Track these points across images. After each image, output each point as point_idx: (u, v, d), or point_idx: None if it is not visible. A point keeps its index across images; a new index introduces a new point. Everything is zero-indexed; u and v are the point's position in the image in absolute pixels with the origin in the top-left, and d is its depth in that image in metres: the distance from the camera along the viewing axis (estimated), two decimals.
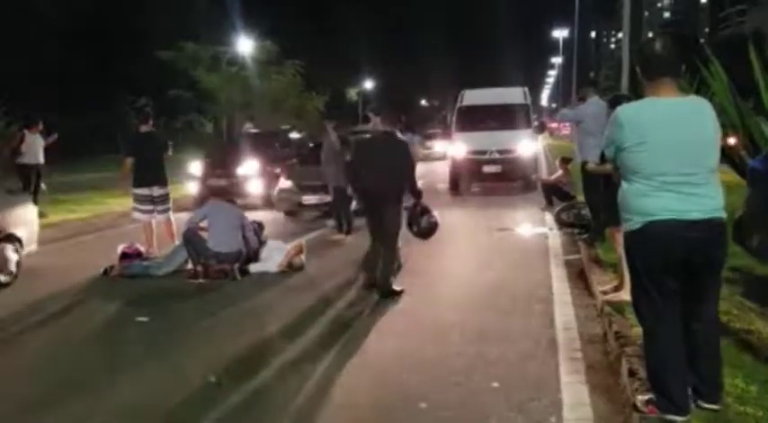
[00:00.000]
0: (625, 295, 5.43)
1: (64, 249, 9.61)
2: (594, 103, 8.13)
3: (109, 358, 4.99)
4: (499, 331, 5.28)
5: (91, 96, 29.15)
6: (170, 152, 8.62)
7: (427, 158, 28.07)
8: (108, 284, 7.32)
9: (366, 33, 51.32)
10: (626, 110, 3.43)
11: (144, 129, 8.42)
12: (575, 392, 4.06)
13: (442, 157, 27.86)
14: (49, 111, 13.12)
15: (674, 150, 3.27)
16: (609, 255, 7.15)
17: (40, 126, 12.06)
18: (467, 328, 5.41)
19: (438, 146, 30.31)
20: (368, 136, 6.88)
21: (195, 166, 14.41)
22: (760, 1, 61.65)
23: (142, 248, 8.06)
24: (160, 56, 28.38)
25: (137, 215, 8.30)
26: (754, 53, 7.20)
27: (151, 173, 8.24)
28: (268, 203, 12.72)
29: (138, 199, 8.25)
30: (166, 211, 8.42)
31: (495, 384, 4.21)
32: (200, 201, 10.40)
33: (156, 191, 8.27)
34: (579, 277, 6.95)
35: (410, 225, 6.88)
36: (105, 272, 7.63)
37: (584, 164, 7.99)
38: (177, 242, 7.91)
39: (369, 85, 53.33)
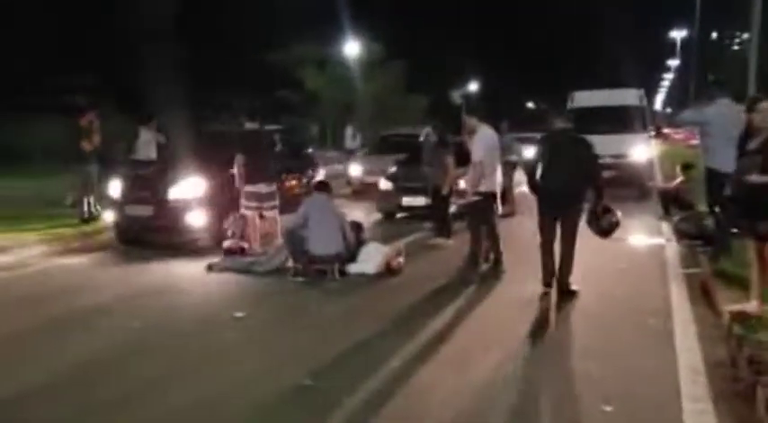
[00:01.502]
0: (750, 308, 4.89)
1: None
2: (723, 105, 7.46)
3: (203, 353, 4.99)
4: (611, 348, 4.88)
5: (199, 96, 30.22)
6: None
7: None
8: (210, 279, 7.44)
9: (473, 35, 50.72)
10: None
11: (250, 126, 8.53)
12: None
13: None
14: (160, 111, 13.58)
15: None
16: (738, 270, 6.52)
17: (155, 123, 12.54)
18: (576, 343, 5.06)
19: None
20: (553, 137, 6.72)
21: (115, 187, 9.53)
22: None
23: (246, 245, 8.16)
24: (269, 57, 29.17)
25: (244, 211, 8.41)
26: None
27: (258, 170, 8.32)
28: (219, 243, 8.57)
29: (247, 196, 8.35)
30: (273, 208, 8.48)
31: (608, 408, 3.84)
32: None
33: (264, 188, 8.34)
34: (701, 293, 6.36)
35: (590, 223, 6.64)
36: (209, 267, 7.77)
37: (709, 171, 7.34)
38: (279, 240, 7.95)
39: (473, 87, 52.75)
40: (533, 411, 3.86)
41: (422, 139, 14.70)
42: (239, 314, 5.87)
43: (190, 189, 8.79)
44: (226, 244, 8.17)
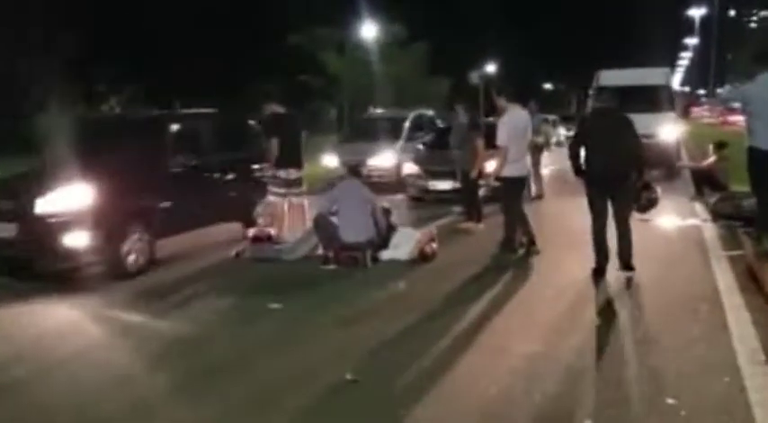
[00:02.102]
0: None
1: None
2: (763, 82, 7.15)
3: (241, 346, 4.84)
4: (664, 337, 4.68)
5: (221, 81, 30.14)
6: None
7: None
8: (240, 268, 7.30)
9: (491, 16, 49.98)
10: None
11: (280, 110, 8.32)
12: None
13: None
14: (179, 97, 13.45)
15: None
16: None
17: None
18: (626, 332, 4.86)
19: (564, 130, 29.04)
20: (595, 116, 6.70)
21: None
22: None
23: (273, 232, 8.00)
24: (290, 40, 28.82)
25: (271, 198, 8.23)
26: None
27: (290, 155, 8.08)
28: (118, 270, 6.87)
29: (275, 182, 8.16)
30: (301, 194, 8.31)
31: (671, 401, 3.65)
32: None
33: (293, 174, 8.14)
34: (748, 277, 6.13)
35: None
36: (237, 255, 7.65)
37: (751, 150, 7.06)
38: (308, 227, 7.79)
39: (491, 68, 52.15)
40: (593, 405, 3.67)
41: (407, 121, 15.30)
42: (275, 305, 5.73)
43: (67, 200, 6.54)
44: (252, 232, 8.02)
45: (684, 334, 4.71)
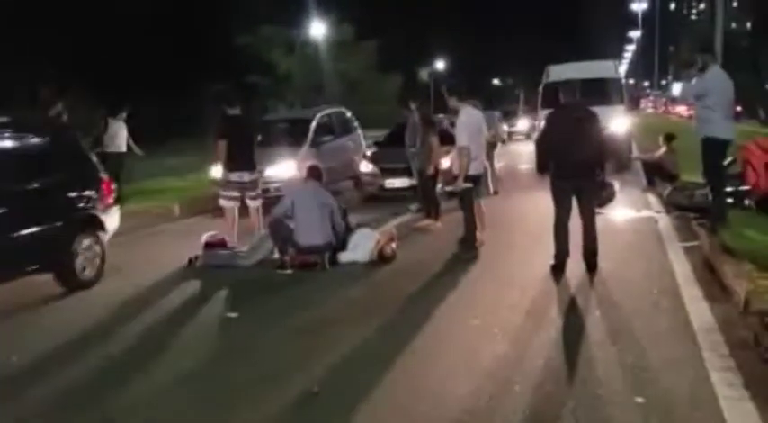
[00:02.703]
0: None
1: (145, 238, 9.48)
2: (717, 73, 7.29)
3: (197, 359, 4.63)
4: (627, 334, 4.64)
5: (167, 83, 29.48)
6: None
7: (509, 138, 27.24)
8: (194, 276, 7.05)
9: (438, 12, 50.24)
10: None
11: (232, 112, 8.08)
12: (740, 412, 3.41)
13: (526, 137, 26.86)
14: (126, 98, 13.00)
15: None
16: (740, 242, 6.37)
17: (124, 114, 12.01)
18: (590, 329, 4.80)
19: (521, 124, 29.28)
20: (562, 112, 6.63)
21: None
22: None
23: (227, 238, 7.76)
24: (237, 41, 28.38)
25: (223, 202, 7.97)
26: None
27: (242, 157, 7.86)
28: None
29: (228, 185, 7.92)
30: (257, 197, 8.08)
31: (640, 399, 3.60)
32: None
33: (247, 176, 7.91)
34: (705, 268, 6.18)
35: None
36: (190, 261, 7.39)
37: (707, 140, 7.18)
38: (263, 231, 7.57)
39: (440, 65, 52.44)
40: (563, 405, 3.60)
41: (313, 123, 12.55)
42: (233, 314, 5.52)
43: None
44: (205, 237, 7.77)
45: (647, 329, 4.68)
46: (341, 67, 29.54)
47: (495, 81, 74.80)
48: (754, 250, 5.95)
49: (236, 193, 7.86)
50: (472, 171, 7.22)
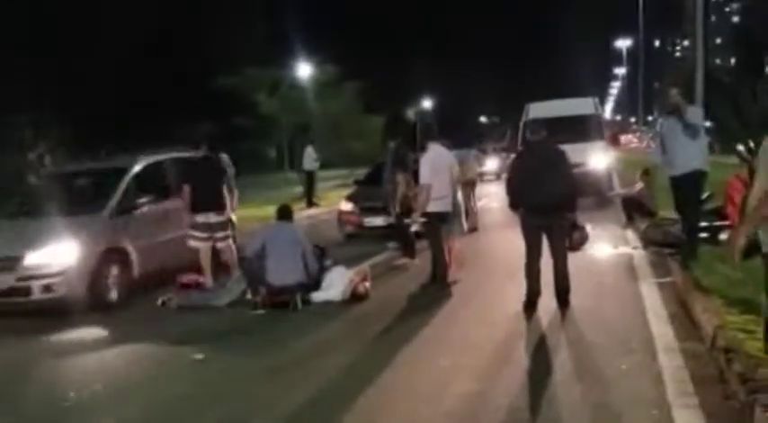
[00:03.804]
0: None
1: None
2: (669, 115, 7.59)
3: (162, 403, 4.56)
4: (595, 372, 4.62)
5: (150, 124, 29.70)
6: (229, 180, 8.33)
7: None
8: (165, 316, 6.99)
9: (424, 52, 51.13)
10: None
11: (198, 154, 8.15)
12: None
13: (497, 177, 24.70)
14: (108, 140, 13.04)
15: None
16: (710, 278, 6.37)
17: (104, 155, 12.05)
18: (558, 367, 4.77)
19: (490, 163, 24.95)
20: (531, 150, 6.70)
21: None
22: None
23: (201, 279, 7.73)
24: (221, 82, 28.69)
25: (193, 243, 7.94)
26: None
27: (206, 199, 7.88)
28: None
29: (195, 226, 7.92)
30: (226, 238, 8.07)
31: None
32: None
33: (213, 217, 7.91)
34: (677, 304, 6.17)
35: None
36: (163, 303, 7.33)
37: (671, 179, 7.37)
38: (237, 271, 7.55)
39: (427, 103, 53.10)
40: None
41: (127, 176, 8.14)
42: (199, 356, 5.45)
43: None
44: (180, 279, 7.72)
45: (614, 368, 4.65)
46: (325, 108, 29.82)
47: (482, 118, 75.70)
48: (724, 286, 5.95)
49: (204, 234, 7.85)
50: (439, 208, 7.25)
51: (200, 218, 7.86)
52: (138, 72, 30.23)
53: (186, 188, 7.90)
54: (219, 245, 7.98)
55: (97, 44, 28.74)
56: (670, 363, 4.64)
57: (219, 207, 7.99)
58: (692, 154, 7.24)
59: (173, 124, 29.34)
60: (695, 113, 7.51)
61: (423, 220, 7.32)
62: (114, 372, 5.37)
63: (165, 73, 32.01)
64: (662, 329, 5.43)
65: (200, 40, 32.97)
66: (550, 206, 6.22)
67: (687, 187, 7.37)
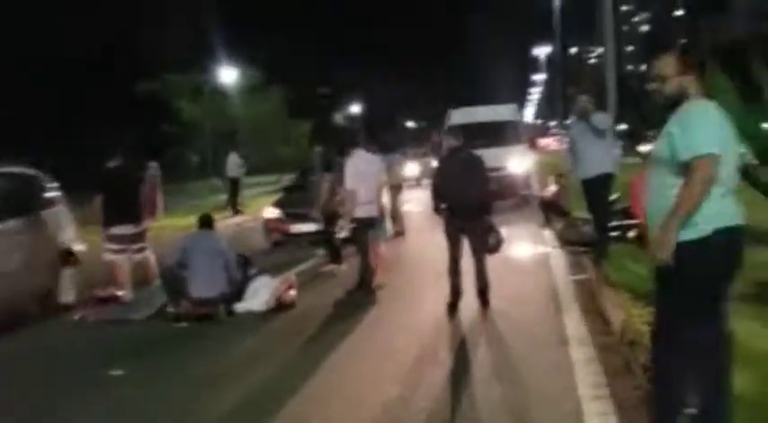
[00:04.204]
0: None
1: None
2: (575, 120, 8.10)
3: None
4: (512, 371, 4.78)
5: (70, 134, 28.70)
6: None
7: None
8: (81, 332, 6.75)
9: (351, 55, 51.30)
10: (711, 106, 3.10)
11: (113, 164, 7.92)
12: None
13: (417, 182, 23.73)
14: (28, 150, 12.50)
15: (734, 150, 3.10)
16: (620, 274, 6.70)
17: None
18: (478, 366, 4.92)
19: (409, 169, 22.36)
20: (450, 155, 6.84)
21: None
22: (735, 11, 62.52)
23: (119, 292, 7.52)
24: (142, 88, 27.97)
25: (109, 256, 7.72)
26: (759, 58, 6.90)
27: (121, 210, 7.67)
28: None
29: (110, 238, 7.70)
30: (142, 250, 7.88)
31: None
32: None
33: (129, 229, 7.71)
34: (590, 300, 6.46)
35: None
36: (80, 319, 7.09)
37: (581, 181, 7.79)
38: (156, 283, 7.38)
39: (355, 108, 53.28)
40: None
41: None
42: (117, 372, 5.30)
43: None
44: (97, 293, 7.49)
45: (531, 365, 4.83)
46: (250, 113, 29.50)
47: (411, 123, 76.52)
48: (632, 281, 6.27)
49: (120, 247, 7.65)
50: (364, 214, 7.33)
51: (115, 230, 7.64)
52: (58, 78, 29.16)
53: (97, 200, 7.68)
54: (136, 257, 7.78)
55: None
56: (583, 356, 4.86)
57: (135, 218, 7.79)
58: (599, 157, 7.62)
59: (96, 132, 28.41)
60: (602, 119, 7.87)
61: (352, 225, 7.34)
62: (29, 390, 5.16)
63: (87, 78, 30.93)
64: (576, 325, 5.67)
65: (124, 45, 32.01)
66: (469, 209, 6.43)
67: (596, 189, 7.73)
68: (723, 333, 3.09)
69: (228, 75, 29.01)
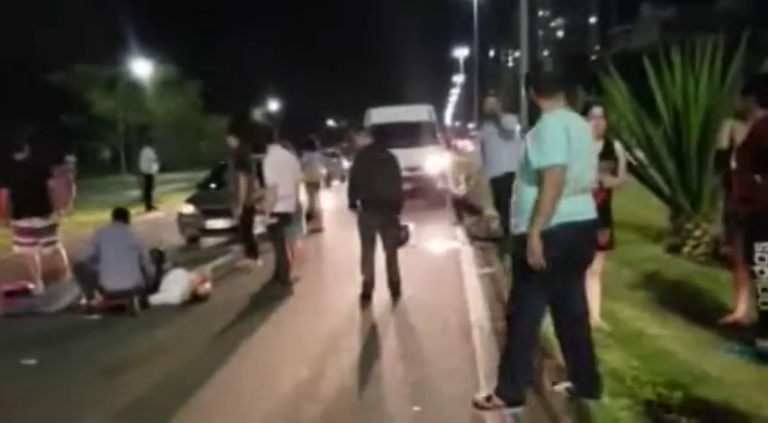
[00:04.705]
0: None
1: None
2: (486, 125, 8.51)
3: None
4: (417, 352, 5.12)
5: None
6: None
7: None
8: None
9: (270, 54, 50.97)
10: (563, 118, 3.55)
11: (19, 156, 7.76)
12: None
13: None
14: None
15: (586, 156, 3.61)
16: None
17: None
18: (386, 350, 5.24)
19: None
20: (362, 153, 7.02)
21: None
22: (643, 20, 66.13)
23: (29, 286, 7.39)
24: (49, 78, 26.90)
25: (18, 249, 7.59)
26: (649, 67, 7.52)
27: (29, 203, 7.55)
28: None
29: (19, 231, 7.56)
30: (52, 243, 7.77)
31: (416, 408, 4.03)
32: None
33: (38, 223, 7.59)
34: (494, 291, 6.89)
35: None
36: None
37: (491, 180, 8.22)
38: (68, 276, 7.30)
39: (274, 105, 52.97)
40: (349, 419, 3.93)
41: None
42: (30, 361, 5.31)
43: None
44: (5, 286, 7.34)
45: (435, 348, 5.19)
46: (164, 107, 28.91)
47: (330, 122, 76.68)
48: None
49: (29, 240, 7.54)
50: (282, 208, 7.50)
51: (24, 223, 7.52)
52: None
53: (3, 192, 7.54)
54: (45, 250, 7.68)
55: None
56: (484, 340, 5.24)
57: (44, 211, 7.67)
58: (506, 157, 8.07)
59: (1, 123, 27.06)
60: (510, 120, 8.36)
61: (274, 220, 7.47)
62: None
63: None
64: (479, 313, 6.07)
65: (27, 35, 30.62)
66: (383, 205, 6.72)
67: (503, 187, 8.20)
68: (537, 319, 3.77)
69: (142, 67, 28.32)
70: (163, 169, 19.68)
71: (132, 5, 31.38)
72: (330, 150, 27.23)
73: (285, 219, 7.59)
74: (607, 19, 63.83)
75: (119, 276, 6.70)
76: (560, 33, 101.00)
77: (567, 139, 3.44)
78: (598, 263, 5.10)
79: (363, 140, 7.15)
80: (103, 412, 4.22)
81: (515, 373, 3.76)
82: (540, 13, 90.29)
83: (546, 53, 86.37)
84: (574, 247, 3.58)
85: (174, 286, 7.08)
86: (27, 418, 4.29)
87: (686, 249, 7.39)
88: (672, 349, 4.55)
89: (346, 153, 25.42)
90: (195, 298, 7.07)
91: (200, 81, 31.74)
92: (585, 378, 3.82)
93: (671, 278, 6.52)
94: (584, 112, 4.89)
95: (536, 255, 3.44)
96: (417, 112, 17.13)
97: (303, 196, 9.96)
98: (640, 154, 7.94)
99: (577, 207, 3.57)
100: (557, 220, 3.48)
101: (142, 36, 29.54)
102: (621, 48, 56.35)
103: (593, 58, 61.14)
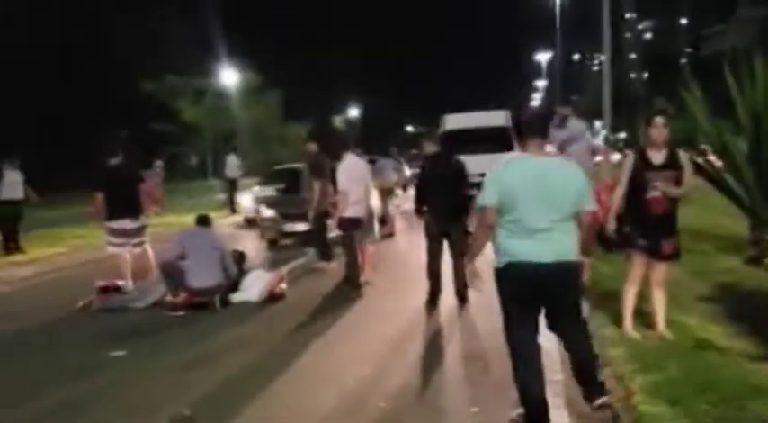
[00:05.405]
0: None
1: (43, 285, 9.49)
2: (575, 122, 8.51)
3: (73, 396, 4.86)
4: (479, 355, 5.24)
5: (69, 130, 29.08)
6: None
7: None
8: (85, 319, 7.19)
9: (352, 62, 51.83)
10: (511, 166, 3.74)
11: (113, 161, 8.35)
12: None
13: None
14: (27, 144, 12.85)
15: (538, 201, 3.62)
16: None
17: (17, 161, 11.96)
18: (450, 352, 5.38)
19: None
20: (430, 160, 7.21)
21: None
22: (740, 18, 63.00)
23: (120, 282, 7.96)
24: (142, 87, 28.38)
25: (111, 249, 8.19)
26: (728, 73, 7.34)
27: (122, 206, 8.10)
28: None
29: (112, 232, 8.15)
30: (141, 243, 8.32)
31: (474, 409, 4.14)
32: None
33: (129, 224, 8.14)
34: None
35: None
36: (83, 306, 7.52)
37: None
38: (155, 275, 7.82)
39: (354, 112, 53.83)
40: (410, 416, 4.11)
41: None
42: (119, 353, 5.76)
43: None
44: (99, 283, 7.93)
45: (500, 354, 5.22)
46: (248, 116, 29.93)
47: (409, 128, 76.98)
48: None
49: (120, 240, 8.10)
50: (352, 214, 7.74)
51: (116, 225, 8.09)
52: (57, 75, 29.53)
53: (99, 195, 8.11)
54: (136, 250, 8.23)
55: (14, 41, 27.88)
56: (550, 349, 5.28)
57: (135, 213, 8.21)
58: (574, 160, 8.07)
59: (90, 129, 28.78)
60: (576, 125, 8.36)
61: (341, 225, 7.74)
62: (34, 366, 5.61)
63: (84, 79, 31.32)
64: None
65: (121, 46, 32.43)
66: (449, 212, 6.80)
67: None
68: (522, 341, 3.85)
69: (229, 77, 29.51)
70: (246, 174, 20.47)
71: (220, 16, 32.58)
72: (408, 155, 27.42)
73: (355, 224, 7.84)
74: (701, 19, 61.09)
75: (202, 275, 7.13)
76: (648, 35, 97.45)
77: (497, 186, 3.63)
78: (662, 273, 5.08)
79: (430, 148, 7.29)
80: (182, 401, 4.54)
81: (521, 390, 3.81)
82: (627, 15, 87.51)
83: (633, 56, 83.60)
84: (518, 286, 3.70)
85: (254, 285, 7.47)
86: (112, 405, 4.65)
87: (767, 261, 7.15)
88: (733, 362, 4.46)
89: (410, 161, 25.31)
90: (272, 297, 7.43)
91: (281, 90, 32.63)
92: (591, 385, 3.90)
93: (747, 290, 6.35)
94: (648, 121, 4.91)
95: (474, 281, 3.93)
96: (495, 118, 17.05)
97: (376, 202, 10.19)
98: (718, 162, 7.73)
99: (526, 249, 3.63)
100: (503, 258, 3.70)
101: (229, 45, 30.80)
102: (714, 49, 53.94)
103: (683, 61, 58.78)
